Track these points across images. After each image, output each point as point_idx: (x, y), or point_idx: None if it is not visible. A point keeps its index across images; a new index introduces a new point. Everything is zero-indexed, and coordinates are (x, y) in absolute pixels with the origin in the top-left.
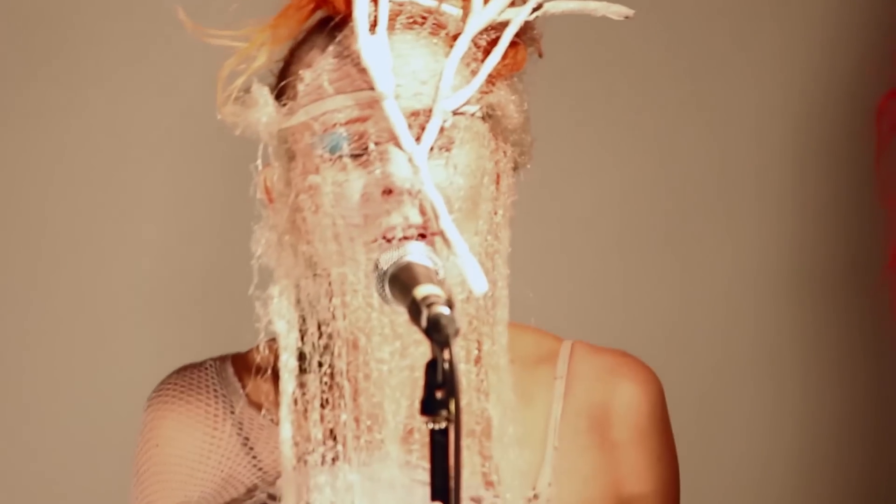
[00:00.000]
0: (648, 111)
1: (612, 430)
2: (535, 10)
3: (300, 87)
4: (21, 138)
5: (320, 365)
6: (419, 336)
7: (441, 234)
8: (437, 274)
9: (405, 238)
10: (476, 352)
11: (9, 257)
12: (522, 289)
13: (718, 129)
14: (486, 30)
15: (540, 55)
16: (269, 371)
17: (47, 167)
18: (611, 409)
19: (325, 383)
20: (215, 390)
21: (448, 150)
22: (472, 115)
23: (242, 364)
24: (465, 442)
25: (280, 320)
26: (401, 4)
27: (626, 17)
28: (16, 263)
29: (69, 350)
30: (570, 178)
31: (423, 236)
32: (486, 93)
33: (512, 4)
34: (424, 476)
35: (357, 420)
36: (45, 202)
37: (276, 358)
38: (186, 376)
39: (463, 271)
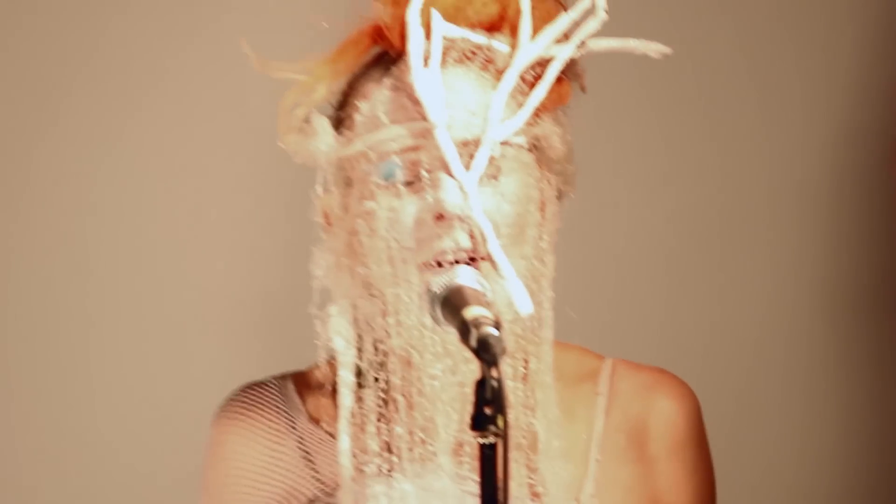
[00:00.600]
0: (689, 139)
1: (650, 444)
2: (578, 47)
3: (357, 118)
4: (91, 166)
5: (376, 380)
6: (469, 354)
7: (489, 257)
8: (485, 296)
9: (455, 261)
10: (523, 370)
11: (83, 284)
12: (566, 309)
13: (761, 155)
14: (532, 65)
15: (583, 90)
16: (329, 387)
17: (117, 195)
18: (649, 423)
19: (381, 398)
20: (277, 407)
21: (496, 178)
22: (519, 145)
23: (303, 382)
24: (512, 455)
25: (338, 338)
26: (452, 40)
27: (663, 55)
28: (89, 289)
29: (142, 369)
30: (612, 204)
31: (472, 260)
32: (532, 125)
33: (557, 42)
34: (474, 487)
35: (411, 433)
36: (117, 229)
37: (335, 375)
38: (250, 393)
39: (510, 293)
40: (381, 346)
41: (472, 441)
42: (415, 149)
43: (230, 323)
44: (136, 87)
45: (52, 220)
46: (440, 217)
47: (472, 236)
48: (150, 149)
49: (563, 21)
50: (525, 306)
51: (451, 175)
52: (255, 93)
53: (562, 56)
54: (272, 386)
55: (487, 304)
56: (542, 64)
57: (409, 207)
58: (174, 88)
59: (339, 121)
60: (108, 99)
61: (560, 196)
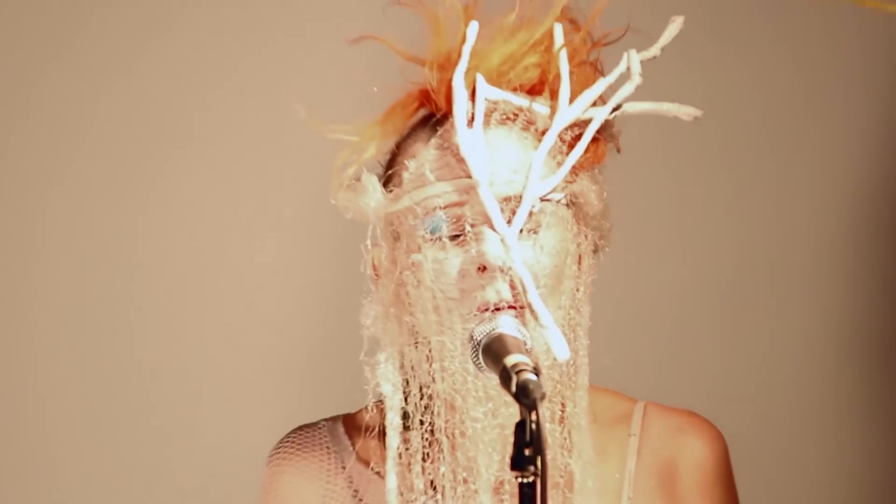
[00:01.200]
0: (710, 197)
1: (680, 483)
2: (614, 110)
3: (405, 176)
4: (148, 215)
5: (422, 423)
6: (509, 398)
7: (529, 306)
8: (525, 344)
9: (497, 309)
10: (560, 413)
11: (140, 333)
12: (601, 356)
13: (800, 211)
14: (570, 126)
15: (618, 150)
16: (377, 429)
17: (176, 246)
18: (679, 463)
19: (426, 439)
20: (328, 447)
21: (535, 232)
22: (558, 201)
23: (352, 424)
24: (549, 493)
25: (386, 383)
26: (495, 102)
27: (695, 118)
28: (146, 337)
29: (198, 413)
30: (642, 258)
31: (512, 308)
32: (570, 182)
33: (594, 105)
34: None
35: (454, 472)
36: (173, 275)
37: (383, 417)
38: (302, 435)
39: (548, 341)
40: (426, 391)
41: (513, 480)
42: (459, 204)
43: (284, 370)
44: (196, 140)
45: (109, 267)
46: (483, 269)
47: (512, 287)
48: (206, 204)
49: (600, 85)
50: (562, 353)
51: (493, 229)
52: (308, 150)
53: (599, 118)
54: (323, 428)
55: (527, 352)
56: (580, 125)
57: (454, 260)
58: (230, 143)
59: (388, 178)
60: (159, 150)
61: (596, 250)
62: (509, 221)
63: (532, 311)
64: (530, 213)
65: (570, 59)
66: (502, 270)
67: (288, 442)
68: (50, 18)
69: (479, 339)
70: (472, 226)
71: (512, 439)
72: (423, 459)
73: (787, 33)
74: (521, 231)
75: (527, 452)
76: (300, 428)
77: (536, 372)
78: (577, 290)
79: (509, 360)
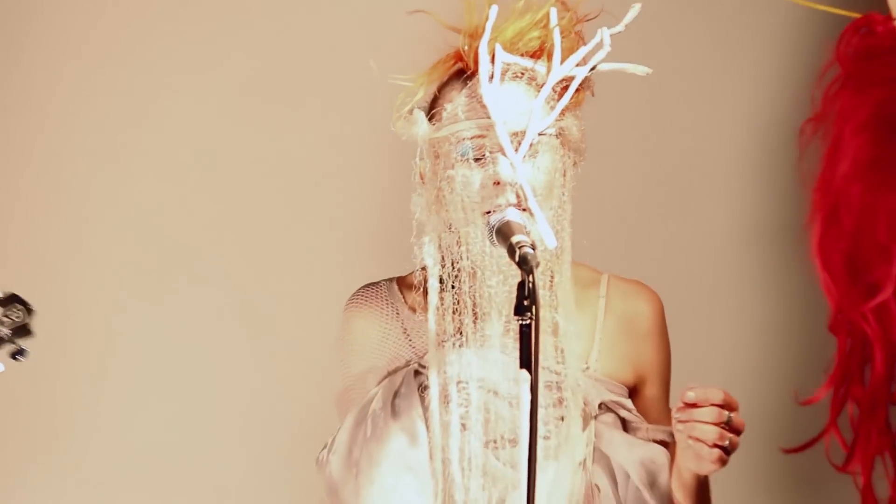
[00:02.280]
0: (653, 124)
1: (633, 329)
2: (591, 69)
3: (444, 114)
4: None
5: (452, 287)
6: (516, 271)
7: (528, 209)
8: (525, 227)
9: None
10: (549, 281)
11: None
12: (580, 239)
13: (704, 131)
14: (560, 81)
15: (592, 95)
16: (421, 289)
17: (276, 176)
18: (633, 316)
19: (455, 298)
20: (386, 299)
21: (534, 157)
22: (551, 134)
23: (404, 283)
24: (543, 336)
25: (429, 257)
26: (508, 64)
27: (646, 73)
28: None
29: (287, 274)
30: (609, 170)
31: (517, 209)
32: (560, 120)
33: (577, 65)
34: (516, 357)
35: (475, 321)
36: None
37: (426, 280)
38: (368, 290)
39: (541, 233)
40: (456, 264)
41: (516, 325)
42: (481, 137)
43: (359, 244)
44: (283, 87)
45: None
46: (497, 183)
47: (517, 195)
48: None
49: (582, 52)
50: (551, 242)
51: (505, 155)
52: (377, 94)
53: (580, 75)
54: (383, 285)
55: (527, 233)
56: (567, 80)
57: (477, 175)
58: (324, 96)
59: (432, 115)
60: (253, 89)
61: (575, 164)
62: (517, 149)
63: (530, 212)
64: (532, 144)
65: (561, 33)
66: (510, 184)
67: (359, 294)
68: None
69: (493, 224)
70: (490, 152)
71: (515, 294)
72: (453, 312)
73: (710, 13)
74: (524, 156)
75: (525, 303)
76: (367, 285)
77: (533, 247)
78: (563, 195)
79: (514, 239)
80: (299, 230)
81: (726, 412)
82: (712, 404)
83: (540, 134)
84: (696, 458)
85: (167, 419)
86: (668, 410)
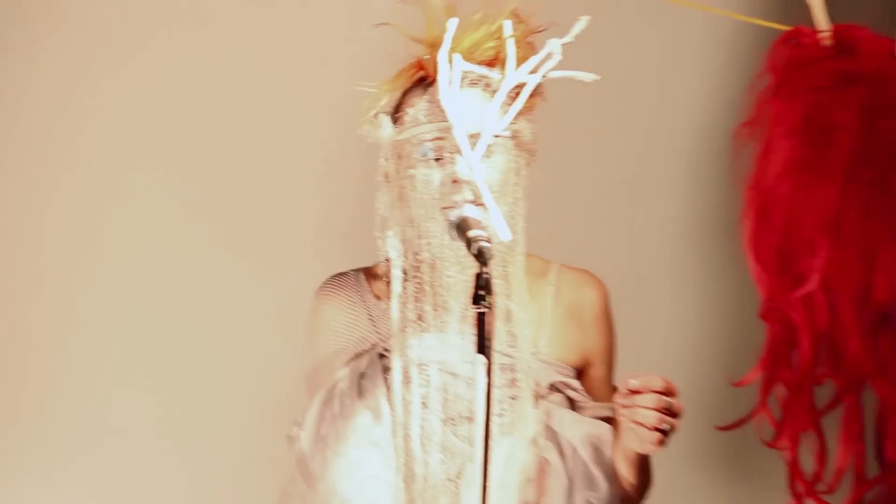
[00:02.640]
0: (599, 127)
1: (581, 316)
2: (543, 76)
3: (406, 118)
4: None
5: (414, 277)
6: (472, 262)
7: (484, 205)
8: (482, 223)
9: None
10: (504, 271)
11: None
12: (532, 232)
13: (652, 133)
14: (514, 87)
15: (544, 100)
16: (385, 278)
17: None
18: (580, 303)
19: (417, 287)
20: (353, 287)
21: (490, 157)
22: (505, 136)
23: (370, 273)
24: (497, 323)
25: (392, 249)
26: (466, 72)
27: (593, 80)
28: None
29: (262, 267)
30: (559, 171)
31: (474, 205)
32: (513, 123)
33: (529, 73)
34: (473, 342)
35: (435, 308)
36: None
37: (389, 271)
38: (338, 279)
39: (496, 227)
40: (417, 256)
41: (472, 313)
42: (441, 138)
43: (329, 237)
44: (268, 93)
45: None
46: (455, 181)
47: (474, 192)
48: (272, 137)
49: (533, 60)
50: (505, 235)
51: (462, 155)
52: (345, 99)
53: (532, 82)
54: (351, 274)
55: (483, 228)
56: (520, 86)
57: (436, 174)
58: (296, 101)
59: (396, 119)
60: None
61: (528, 164)
62: (473, 150)
63: (486, 208)
64: (488, 145)
65: (515, 43)
66: (467, 182)
67: (328, 283)
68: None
69: (452, 219)
70: (449, 153)
71: (472, 285)
72: (415, 300)
73: (653, 26)
74: (480, 157)
75: (481, 293)
76: (336, 274)
77: (489, 241)
78: (517, 192)
79: (471, 233)
80: (275, 223)
81: (666, 398)
82: (653, 391)
83: (495, 136)
84: (638, 439)
85: (146, 399)
86: (614, 389)
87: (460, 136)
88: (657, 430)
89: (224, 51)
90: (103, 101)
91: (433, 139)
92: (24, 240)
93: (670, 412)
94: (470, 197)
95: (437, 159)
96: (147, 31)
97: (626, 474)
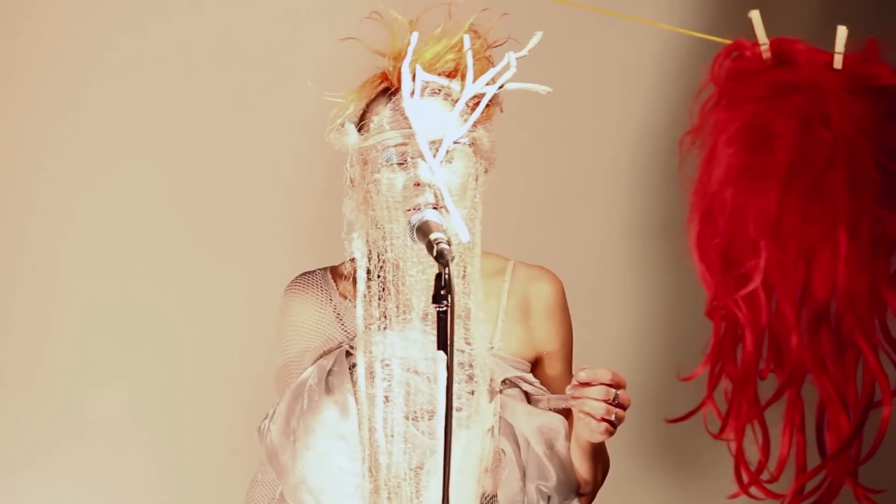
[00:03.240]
0: (553, 136)
1: (535, 311)
2: (500, 87)
3: (371, 125)
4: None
5: (378, 276)
6: (433, 262)
7: (445, 208)
8: (442, 226)
9: (425, 207)
10: (462, 271)
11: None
12: (489, 233)
13: (604, 141)
14: (472, 97)
15: (501, 111)
16: (351, 277)
17: (234, 175)
18: (533, 297)
19: (381, 286)
20: (321, 286)
21: (450, 162)
22: (464, 143)
23: (336, 273)
24: (456, 321)
25: (357, 251)
26: (427, 83)
27: (547, 92)
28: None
29: (230, 268)
30: (512, 177)
31: (435, 208)
32: (472, 131)
33: (487, 84)
34: (434, 337)
35: (398, 307)
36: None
37: (355, 270)
38: (306, 277)
39: (456, 229)
40: (381, 256)
41: (433, 311)
42: (404, 144)
43: (296, 239)
44: (247, 98)
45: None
46: (417, 184)
47: (435, 196)
48: (246, 140)
49: (491, 72)
50: (465, 236)
51: (424, 160)
52: (313, 108)
53: (490, 93)
54: (318, 274)
55: (444, 231)
56: (479, 96)
57: (399, 178)
58: (266, 110)
59: (361, 126)
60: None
61: (487, 171)
62: (435, 155)
63: (447, 210)
64: (447, 151)
65: (473, 56)
66: (429, 186)
67: (296, 282)
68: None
69: (414, 223)
70: (411, 158)
71: (433, 285)
72: (379, 299)
73: (603, 41)
74: (441, 162)
75: (442, 293)
76: (304, 273)
77: (449, 243)
78: (476, 197)
79: (432, 236)
80: (248, 225)
81: (614, 390)
82: (601, 383)
83: (455, 142)
84: (587, 429)
85: (118, 394)
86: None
87: (422, 142)
88: (605, 420)
89: (196, 58)
90: (74, 103)
91: (397, 145)
92: None
93: (618, 404)
94: (431, 200)
95: (400, 164)
96: (116, 37)
97: (583, 461)
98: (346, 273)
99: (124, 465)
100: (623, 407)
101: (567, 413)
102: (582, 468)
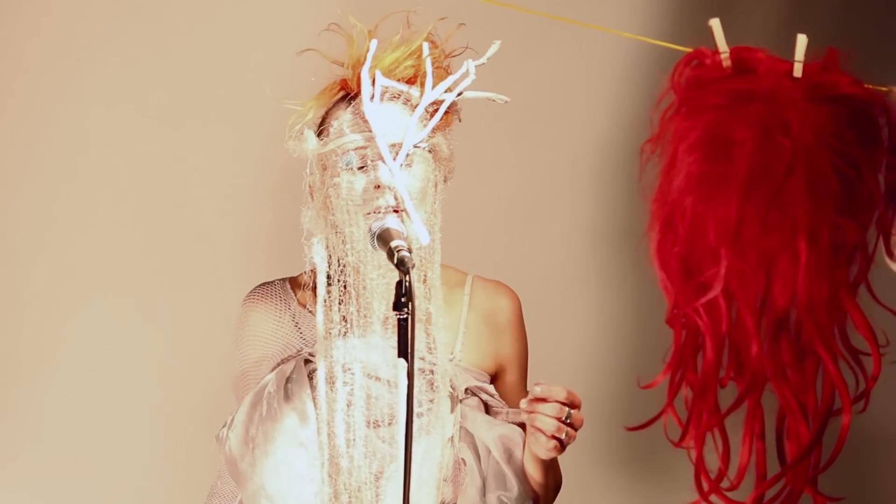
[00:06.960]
0: (512, 144)
1: (494, 324)
2: (458, 95)
3: (331, 130)
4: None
5: (339, 281)
6: (392, 268)
7: (405, 211)
8: (403, 234)
9: (385, 212)
10: (423, 277)
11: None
12: (449, 244)
13: (563, 149)
14: (431, 104)
15: (459, 120)
16: (311, 285)
17: (197, 179)
18: (493, 311)
19: (341, 291)
20: (279, 296)
21: (410, 166)
22: (424, 148)
23: (295, 282)
24: (417, 326)
25: (317, 256)
26: (387, 87)
27: (505, 101)
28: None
29: (192, 277)
30: (471, 185)
31: (395, 212)
32: (431, 137)
33: (446, 91)
34: (395, 343)
35: (359, 311)
36: (185, 206)
37: (314, 278)
38: (264, 288)
39: (416, 232)
40: (342, 261)
41: (394, 317)
42: (364, 148)
43: (257, 247)
44: (211, 110)
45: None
46: (377, 187)
47: (395, 199)
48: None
49: (449, 80)
50: (425, 239)
51: (384, 163)
52: (272, 115)
53: (448, 100)
54: (277, 284)
55: (405, 239)
56: (437, 103)
57: (360, 181)
58: (226, 120)
59: (321, 132)
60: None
61: (446, 179)
62: (395, 159)
63: (407, 214)
64: (407, 154)
65: (432, 64)
66: (389, 188)
67: (255, 292)
68: None
69: (374, 230)
70: (371, 161)
71: (394, 292)
72: (339, 303)
73: (562, 49)
74: (401, 165)
75: (403, 300)
76: (262, 284)
77: (409, 251)
78: (435, 204)
79: (393, 243)
80: (206, 235)
81: (567, 409)
82: (556, 401)
83: (415, 146)
84: (537, 444)
85: (76, 405)
86: (526, 395)
87: (382, 145)
88: (555, 437)
89: (154, 70)
90: (34, 111)
91: (357, 148)
92: None
93: (570, 423)
94: (392, 202)
95: (360, 167)
96: (81, 43)
97: (535, 474)
98: (304, 282)
99: (77, 477)
100: (575, 427)
101: (524, 426)
102: (533, 482)
